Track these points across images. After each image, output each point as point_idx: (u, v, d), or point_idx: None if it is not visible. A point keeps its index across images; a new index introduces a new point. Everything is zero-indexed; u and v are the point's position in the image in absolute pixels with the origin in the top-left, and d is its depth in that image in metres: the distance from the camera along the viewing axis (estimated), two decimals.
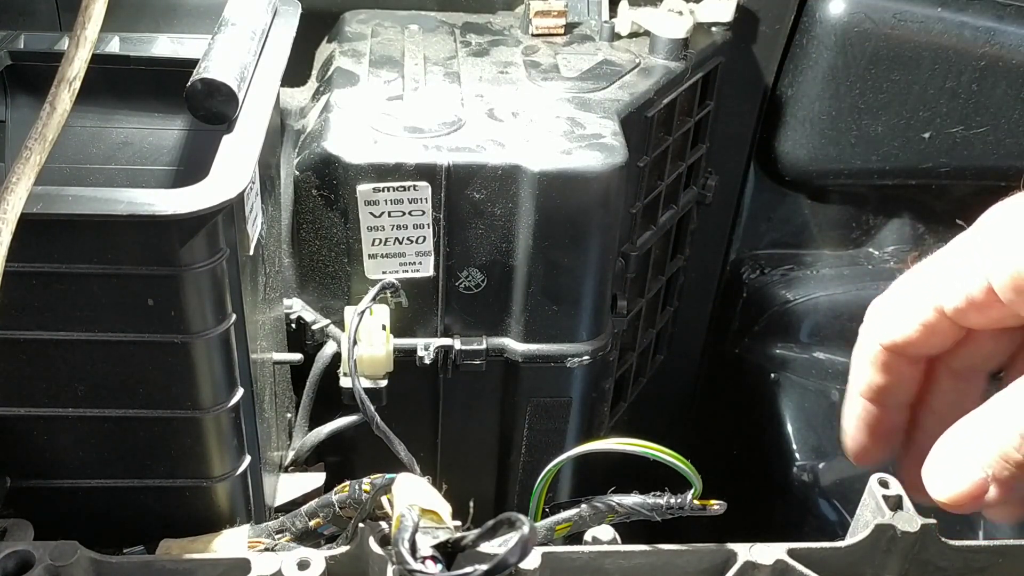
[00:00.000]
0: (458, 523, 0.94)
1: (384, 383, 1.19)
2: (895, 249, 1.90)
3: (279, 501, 1.19)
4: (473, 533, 0.80)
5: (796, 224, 1.89)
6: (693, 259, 1.77)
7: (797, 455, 1.77)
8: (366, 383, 1.17)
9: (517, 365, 1.33)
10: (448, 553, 0.81)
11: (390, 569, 0.84)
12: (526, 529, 0.72)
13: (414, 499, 0.88)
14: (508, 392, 1.36)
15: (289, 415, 1.29)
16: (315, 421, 1.28)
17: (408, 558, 0.78)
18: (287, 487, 1.21)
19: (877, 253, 1.90)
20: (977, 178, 1.79)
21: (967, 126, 1.70)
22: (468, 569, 0.74)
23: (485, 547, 0.82)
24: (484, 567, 0.73)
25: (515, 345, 1.32)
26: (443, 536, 0.83)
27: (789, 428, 1.80)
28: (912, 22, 1.63)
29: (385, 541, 0.87)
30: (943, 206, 1.88)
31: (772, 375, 1.87)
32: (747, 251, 1.90)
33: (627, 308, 1.45)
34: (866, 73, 1.65)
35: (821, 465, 1.76)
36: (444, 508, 0.92)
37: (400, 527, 0.82)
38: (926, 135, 1.70)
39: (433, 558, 0.80)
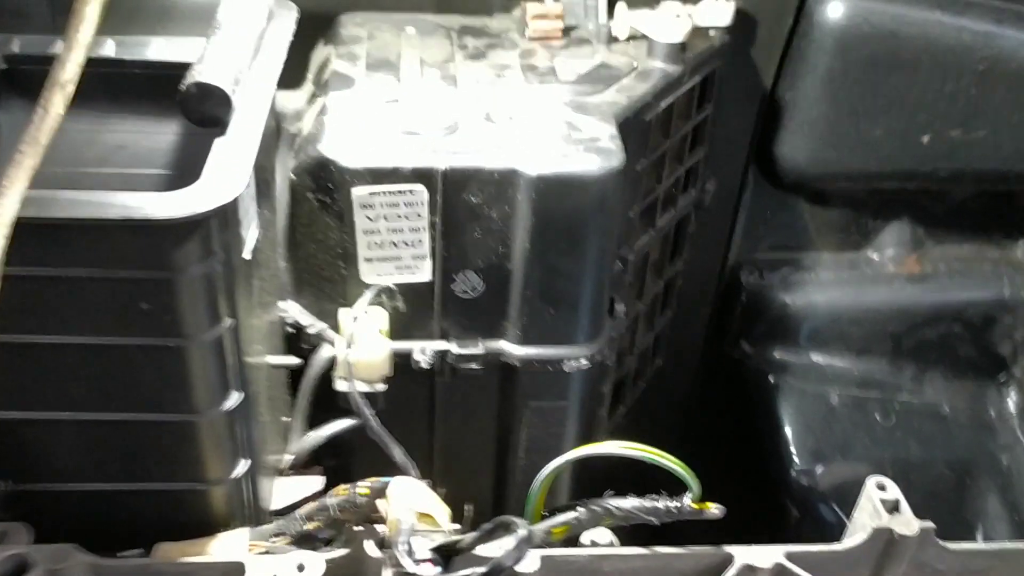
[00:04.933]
0: (456, 526, 0.94)
1: (381, 387, 1.19)
2: (894, 252, 1.90)
3: (276, 505, 1.18)
4: (470, 536, 0.80)
5: (795, 227, 1.89)
6: (691, 262, 1.77)
7: (796, 459, 1.78)
8: (363, 387, 1.17)
9: (514, 369, 1.32)
10: (445, 556, 0.81)
11: (387, 572, 0.84)
12: (523, 532, 0.72)
13: (411, 503, 0.88)
14: (505, 396, 1.36)
15: (286, 419, 1.29)
16: (312, 425, 1.28)
17: (405, 561, 0.78)
18: (284, 491, 1.21)
19: (876, 256, 1.90)
20: (976, 181, 1.79)
21: (966, 129, 1.70)
22: (465, 572, 0.74)
23: (482, 550, 0.82)
24: (481, 570, 0.73)
25: (512, 349, 1.31)
26: (440, 539, 0.83)
27: (788, 432, 1.81)
28: (911, 25, 1.62)
29: (382, 544, 0.87)
30: (942, 209, 1.88)
31: (771, 378, 1.88)
32: (746, 254, 1.90)
33: (625, 312, 1.45)
34: (865, 76, 1.65)
35: (820, 469, 1.77)
36: (441, 511, 0.92)
37: (397, 530, 0.82)
38: (925, 138, 1.70)
39: (430, 561, 0.80)
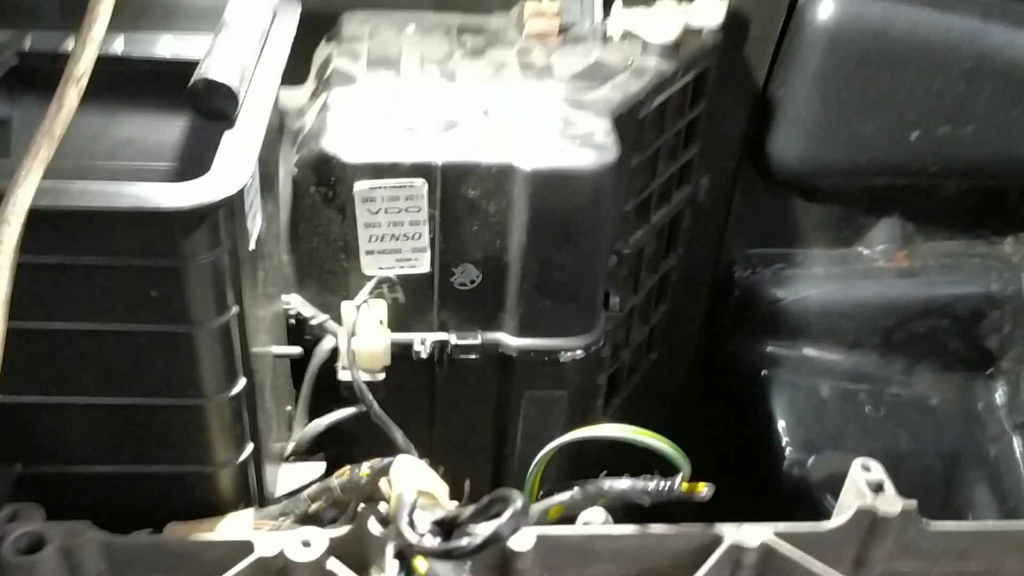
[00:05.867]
0: (455, 503, 0.96)
1: (381, 376, 1.21)
2: (884, 248, 1.91)
3: (280, 491, 1.20)
4: (469, 509, 0.83)
5: (787, 223, 1.91)
6: (686, 257, 1.78)
7: (788, 450, 1.79)
8: (364, 376, 1.19)
9: (512, 359, 1.34)
10: (445, 530, 0.84)
11: (389, 547, 0.86)
12: (519, 504, 0.75)
13: (412, 480, 0.91)
14: (503, 385, 1.38)
15: (289, 408, 1.31)
16: (314, 415, 1.30)
17: (408, 532, 0.81)
18: (288, 476, 1.23)
19: (867, 252, 1.92)
20: (965, 177, 1.81)
21: (955, 126, 1.71)
22: (463, 540, 0.77)
23: (480, 526, 0.84)
24: (480, 538, 0.76)
25: (509, 339, 1.33)
26: (440, 514, 0.85)
27: (780, 424, 1.82)
28: (900, 23, 1.64)
29: (384, 522, 0.90)
30: (932, 205, 1.89)
31: (763, 372, 1.89)
32: (739, 250, 1.92)
33: (620, 305, 1.46)
34: (855, 74, 1.67)
35: (811, 460, 1.78)
36: (441, 489, 0.94)
37: (399, 505, 0.84)
38: (914, 135, 1.72)
39: (431, 533, 0.82)
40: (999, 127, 1.72)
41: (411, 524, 0.82)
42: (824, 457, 1.78)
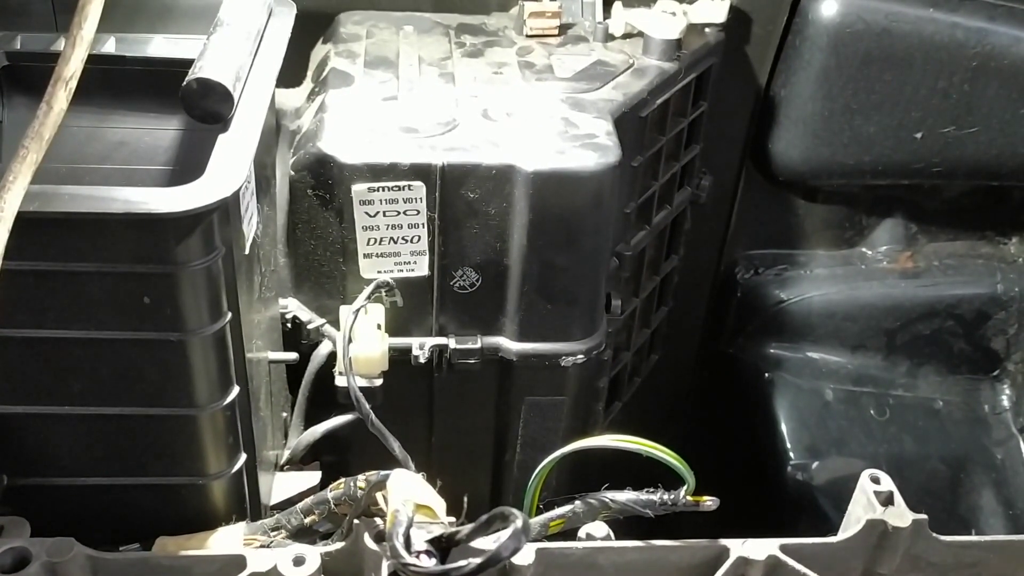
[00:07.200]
0: (452, 519, 0.95)
1: (379, 382, 1.19)
2: (888, 249, 1.90)
3: (275, 500, 1.19)
4: (467, 528, 0.81)
5: (789, 224, 1.90)
6: (687, 259, 1.77)
7: (791, 454, 1.78)
8: (361, 382, 1.17)
9: (512, 364, 1.33)
10: (442, 548, 0.82)
11: (385, 564, 0.84)
12: (519, 523, 0.73)
13: (409, 495, 0.89)
14: (503, 391, 1.37)
15: (285, 414, 1.29)
16: (311, 421, 1.29)
17: (403, 552, 0.79)
18: (283, 485, 1.21)
19: (870, 253, 1.91)
20: (969, 177, 1.80)
21: (959, 126, 1.70)
22: (461, 563, 0.75)
23: (479, 543, 0.83)
24: (478, 560, 0.74)
25: (510, 344, 1.32)
26: (437, 531, 0.83)
27: (783, 427, 1.81)
28: (904, 23, 1.63)
29: (380, 537, 0.88)
30: (935, 206, 1.88)
31: (766, 374, 1.88)
32: (741, 251, 1.91)
33: (621, 308, 1.45)
34: (858, 73, 1.66)
35: (815, 464, 1.77)
36: (438, 504, 0.92)
37: (395, 522, 0.82)
38: (918, 135, 1.71)
39: (427, 552, 0.81)
40: (1003, 127, 1.71)
41: (407, 544, 0.80)
42: (828, 461, 1.77)
